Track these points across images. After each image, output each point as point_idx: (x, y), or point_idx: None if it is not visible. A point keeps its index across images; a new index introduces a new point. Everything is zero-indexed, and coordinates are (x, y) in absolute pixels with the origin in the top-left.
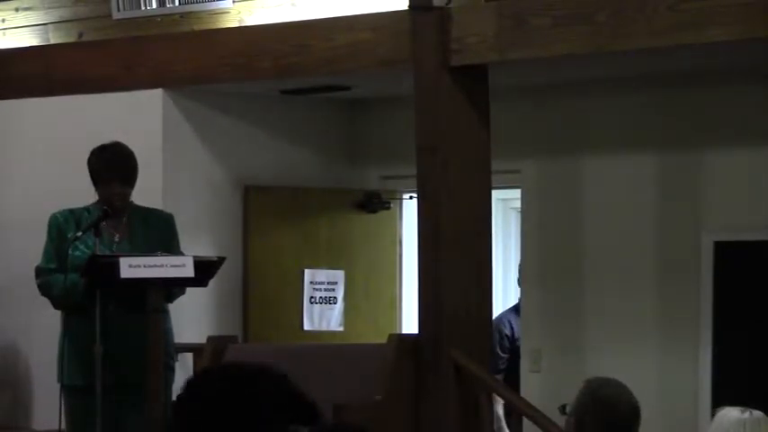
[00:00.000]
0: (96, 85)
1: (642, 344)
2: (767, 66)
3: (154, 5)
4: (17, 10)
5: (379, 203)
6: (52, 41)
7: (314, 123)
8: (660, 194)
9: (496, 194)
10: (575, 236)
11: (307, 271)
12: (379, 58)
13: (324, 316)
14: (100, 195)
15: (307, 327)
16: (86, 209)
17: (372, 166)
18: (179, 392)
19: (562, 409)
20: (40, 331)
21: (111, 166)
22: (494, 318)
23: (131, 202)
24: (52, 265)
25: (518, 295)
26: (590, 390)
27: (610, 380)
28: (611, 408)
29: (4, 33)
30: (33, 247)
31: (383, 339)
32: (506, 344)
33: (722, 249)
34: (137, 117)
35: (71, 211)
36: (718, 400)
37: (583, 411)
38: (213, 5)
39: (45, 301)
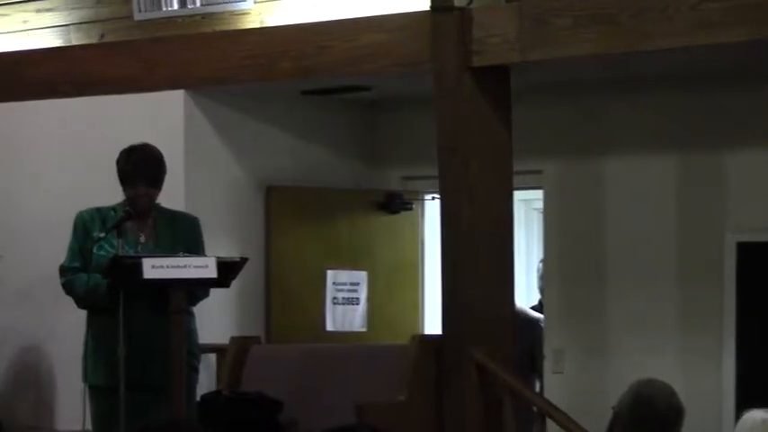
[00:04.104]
0: (118, 86)
1: (665, 345)
2: None
3: (175, 6)
4: (39, 11)
5: (400, 204)
6: (74, 42)
7: (335, 124)
8: (682, 195)
9: (518, 195)
10: (597, 236)
11: (329, 272)
12: (401, 58)
13: (346, 316)
14: (126, 196)
15: (329, 327)
16: (113, 208)
17: (394, 166)
18: None
19: None
20: (64, 331)
21: (138, 167)
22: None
23: (158, 203)
24: (76, 264)
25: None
26: (633, 387)
27: (655, 380)
28: (647, 404)
29: (26, 34)
30: (56, 247)
31: (406, 340)
32: None
33: (745, 250)
34: (158, 118)
35: (98, 210)
36: (742, 402)
37: (620, 407)
38: (234, 6)
39: (69, 301)
